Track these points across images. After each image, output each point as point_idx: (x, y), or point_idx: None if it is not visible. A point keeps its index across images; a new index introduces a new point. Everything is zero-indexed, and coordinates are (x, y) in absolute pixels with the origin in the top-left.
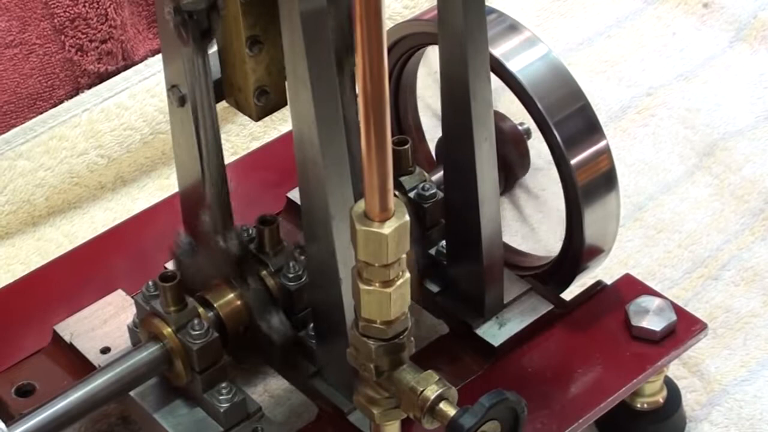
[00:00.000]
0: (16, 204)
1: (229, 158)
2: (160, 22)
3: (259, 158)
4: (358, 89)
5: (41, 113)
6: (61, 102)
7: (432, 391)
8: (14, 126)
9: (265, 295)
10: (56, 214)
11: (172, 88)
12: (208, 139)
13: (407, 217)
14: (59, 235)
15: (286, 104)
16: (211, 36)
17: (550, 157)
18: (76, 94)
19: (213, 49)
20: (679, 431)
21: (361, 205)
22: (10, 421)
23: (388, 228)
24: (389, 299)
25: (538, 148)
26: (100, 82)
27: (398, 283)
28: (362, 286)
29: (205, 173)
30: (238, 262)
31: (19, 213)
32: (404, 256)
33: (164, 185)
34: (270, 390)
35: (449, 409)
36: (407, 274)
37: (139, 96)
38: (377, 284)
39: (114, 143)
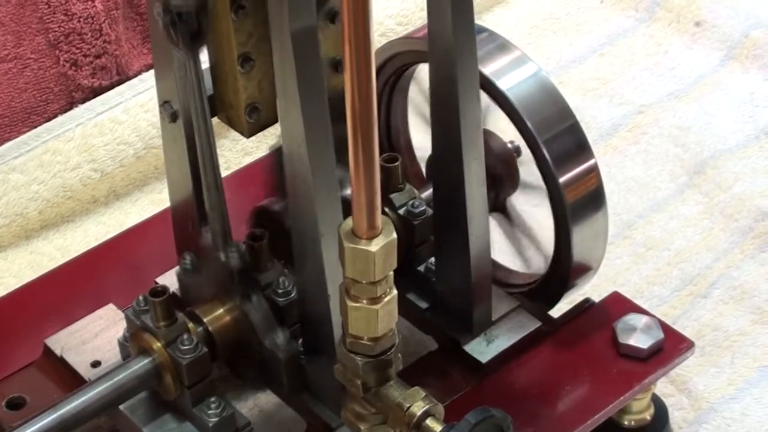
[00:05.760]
0: (9, 217)
1: (221, 173)
2: (153, 35)
3: (251, 173)
4: (347, 107)
5: (35, 127)
6: (55, 116)
7: (418, 408)
8: (8, 140)
9: (269, 311)
10: (49, 227)
11: (164, 104)
12: (204, 153)
13: (395, 235)
14: (52, 248)
15: (277, 120)
16: (202, 39)
17: (539, 175)
18: (70, 108)
19: (205, 65)
20: None
21: (349, 222)
22: None
23: (375, 245)
24: (376, 316)
25: (527, 165)
26: (94, 97)
27: (385, 300)
28: (350, 303)
29: (199, 188)
30: (239, 278)
31: (12, 226)
32: (392, 273)
33: (157, 200)
34: (259, 404)
35: (435, 426)
36: (394, 291)
37: (132, 111)
38: (365, 301)
39: (107, 158)
